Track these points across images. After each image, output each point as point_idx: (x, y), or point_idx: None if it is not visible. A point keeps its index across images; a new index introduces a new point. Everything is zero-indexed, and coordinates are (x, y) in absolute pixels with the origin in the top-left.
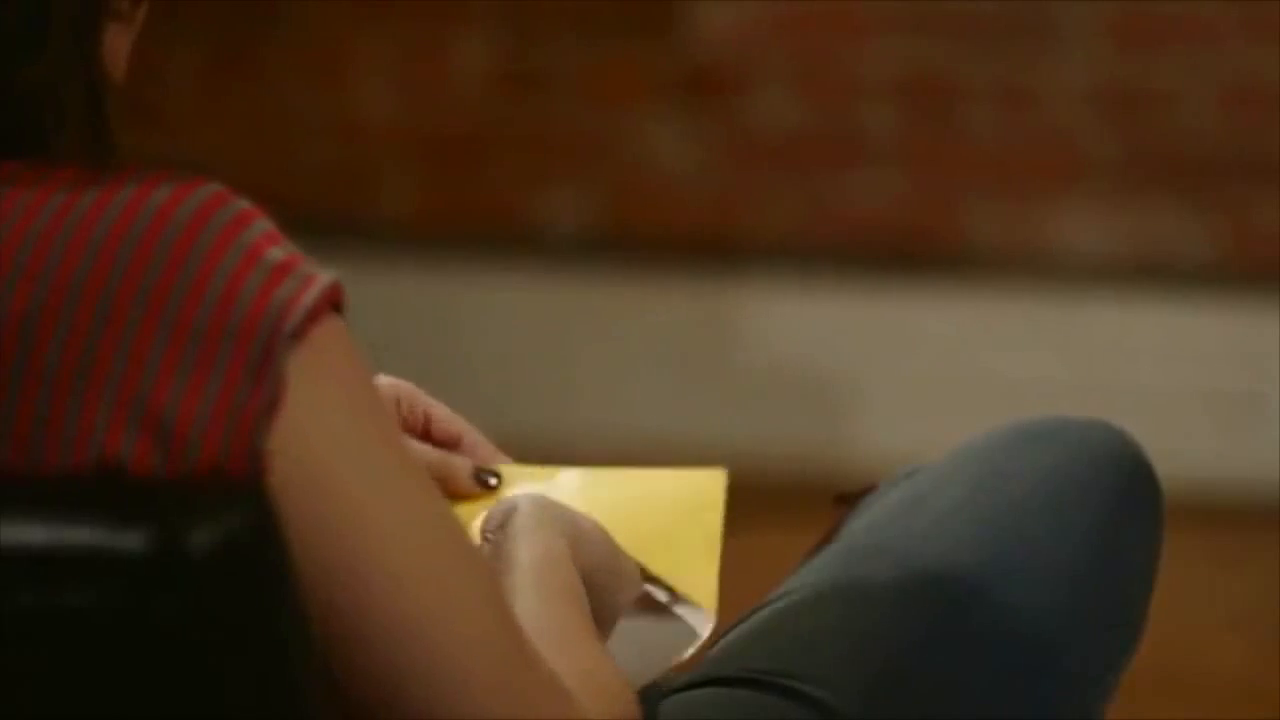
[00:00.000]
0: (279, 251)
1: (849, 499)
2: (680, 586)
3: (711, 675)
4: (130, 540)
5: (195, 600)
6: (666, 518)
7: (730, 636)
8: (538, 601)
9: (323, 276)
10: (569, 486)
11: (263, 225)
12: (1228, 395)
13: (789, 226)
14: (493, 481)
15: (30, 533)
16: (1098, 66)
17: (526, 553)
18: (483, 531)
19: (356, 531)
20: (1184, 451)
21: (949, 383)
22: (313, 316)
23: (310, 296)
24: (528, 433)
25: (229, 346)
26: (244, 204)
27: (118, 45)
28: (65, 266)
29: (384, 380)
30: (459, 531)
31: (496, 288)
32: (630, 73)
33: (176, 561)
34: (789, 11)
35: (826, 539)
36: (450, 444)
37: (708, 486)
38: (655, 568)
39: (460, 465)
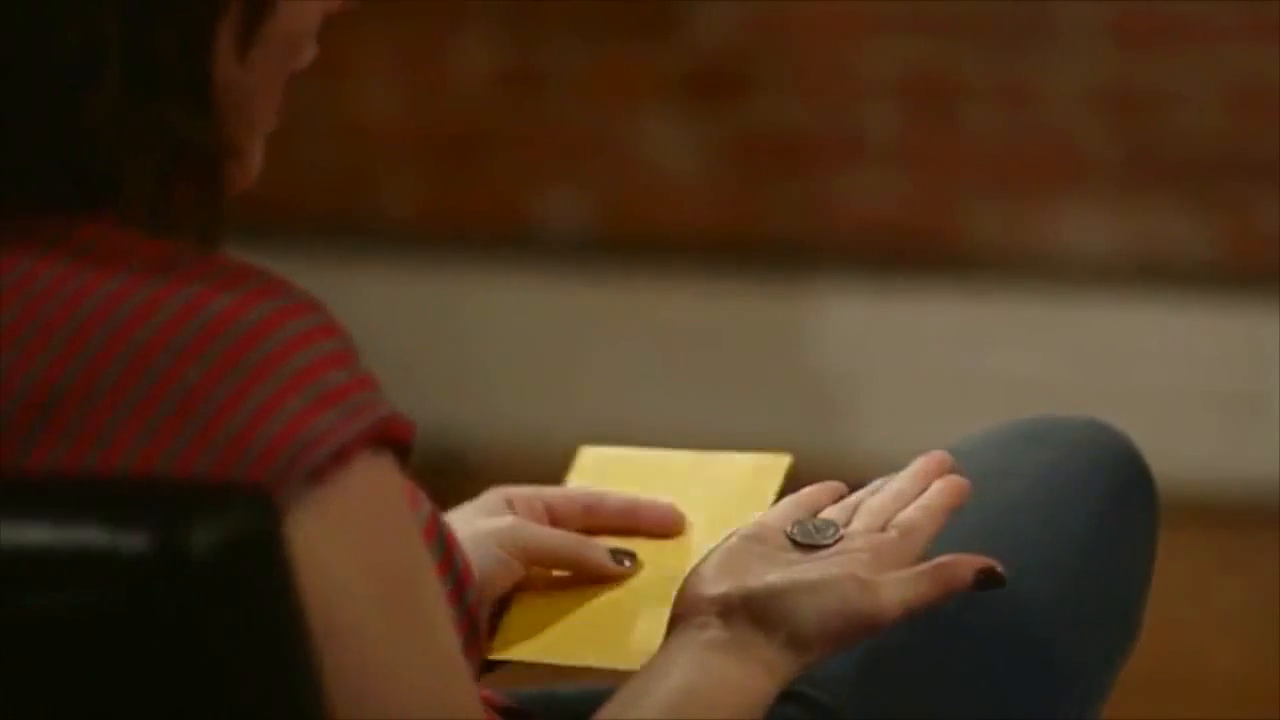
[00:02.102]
0: (340, 375)
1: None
2: None
3: None
4: (132, 541)
5: (196, 601)
6: (719, 505)
7: None
8: None
9: (377, 410)
10: (641, 464)
11: (331, 345)
12: (1228, 395)
13: (789, 226)
14: (627, 563)
15: (32, 533)
16: (1099, 67)
17: (678, 676)
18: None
19: (345, 672)
20: (1184, 451)
21: (949, 382)
22: (341, 457)
23: (349, 432)
24: (528, 432)
25: (243, 469)
26: (318, 319)
27: (298, 18)
28: (98, 360)
29: (498, 493)
30: (455, 709)
31: (497, 287)
32: (631, 73)
33: (177, 562)
34: (790, 11)
35: None
36: (579, 519)
37: (768, 472)
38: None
39: (598, 547)
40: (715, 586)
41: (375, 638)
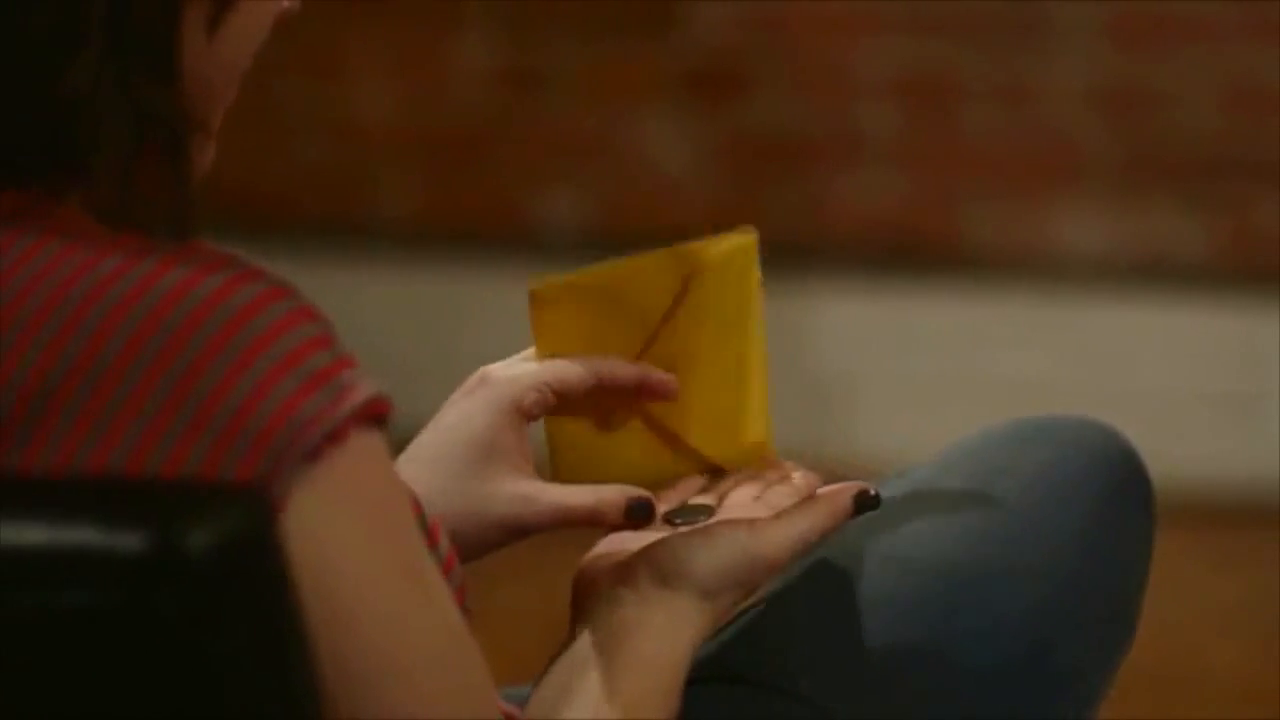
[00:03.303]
0: (324, 357)
1: None
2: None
3: (706, 673)
4: (129, 540)
5: (194, 600)
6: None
7: (725, 635)
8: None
9: (363, 389)
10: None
11: (313, 328)
12: (1227, 395)
13: (788, 226)
14: (649, 512)
15: (30, 533)
16: (1097, 67)
17: (613, 644)
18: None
19: (350, 656)
20: (1183, 452)
21: (948, 382)
22: (335, 436)
23: (340, 413)
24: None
25: (240, 453)
26: (299, 303)
27: (246, 25)
28: (94, 342)
29: (482, 374)
30: (468, 674)
31: (496, 287)
32: (630, 72)
33: (175, 562)
34: (789, 11)
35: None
36: (585, 390)
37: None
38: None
39: (614, 502)
40: (610, 560)
41: (381, 613)
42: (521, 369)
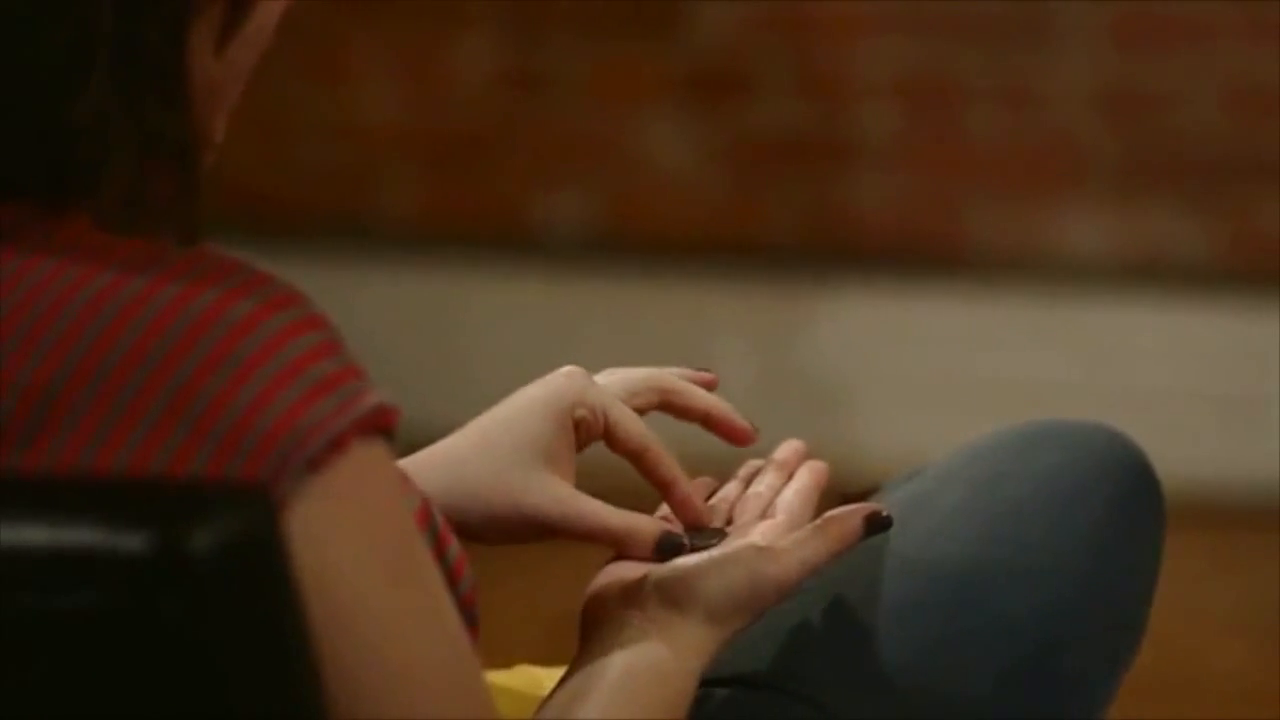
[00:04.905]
0: (329, 365)
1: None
2: None
3: (711, 676)
4: (132, 541)
5: (197, 602)
6: None
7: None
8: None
9: (369, 398)
10: None
11: (317, 336)
12: (1229, 397)
13: (790, 228)
14: (678, 550)
15: (32, 533)
16: (1099, 68)
17: (615, 668)
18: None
19: (349, 660)
20: (1185, 453)
21: (950, 383)
22: (338, 444)
23: (344, 420)
24: None
25: (241, 461)
26: (303, 311)
27: (270, 14)
28: (96, 350)
29: (561, 372)
30: (466, 681)
31: (498, 288)
32: (633, 73)
33: (178, 563)
34: (791, 12)
35: None
36: (631, 455)
37: None
38: None
39: (646, 532)
40: (618, 586)
41: (381, 619)
42: (592, 387)
